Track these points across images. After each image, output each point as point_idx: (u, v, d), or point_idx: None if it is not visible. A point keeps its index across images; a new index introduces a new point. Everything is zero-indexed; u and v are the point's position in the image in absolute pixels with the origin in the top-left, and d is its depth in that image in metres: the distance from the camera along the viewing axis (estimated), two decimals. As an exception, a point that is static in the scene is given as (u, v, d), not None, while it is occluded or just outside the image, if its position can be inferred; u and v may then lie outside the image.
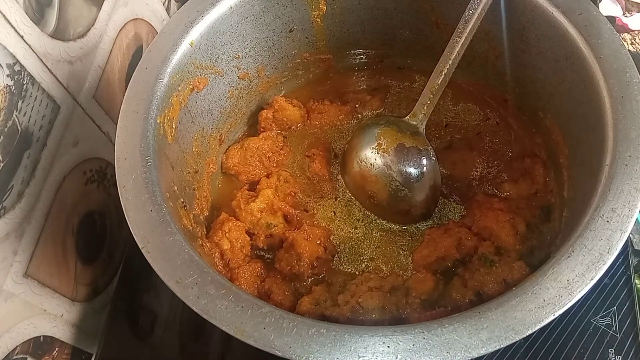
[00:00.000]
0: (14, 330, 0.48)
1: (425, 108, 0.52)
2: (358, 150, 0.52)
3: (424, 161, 0.51)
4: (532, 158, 0.54)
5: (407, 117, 0.53)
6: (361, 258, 0.52)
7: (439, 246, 0.49)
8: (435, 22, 0.57)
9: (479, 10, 0.49)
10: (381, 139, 0.51)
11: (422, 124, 0.52)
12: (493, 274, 0.45)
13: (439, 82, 0.51)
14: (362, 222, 0.54)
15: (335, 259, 0.52)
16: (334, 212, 0.54)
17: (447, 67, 0.50)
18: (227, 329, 0.35)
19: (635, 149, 0.39)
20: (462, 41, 0.50)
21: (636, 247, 0.57)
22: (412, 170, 0.51)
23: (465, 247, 0.49)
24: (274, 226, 0.52)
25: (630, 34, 0.90)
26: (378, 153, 0.51)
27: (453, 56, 0.50)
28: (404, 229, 0.53)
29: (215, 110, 0.55)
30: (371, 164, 0.51)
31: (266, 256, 0.52)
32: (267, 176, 0.56)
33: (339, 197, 0.55)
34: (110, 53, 0.61)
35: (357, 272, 0.51)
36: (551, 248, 0.47)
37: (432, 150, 0.52)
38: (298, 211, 0.54)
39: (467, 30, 0.49)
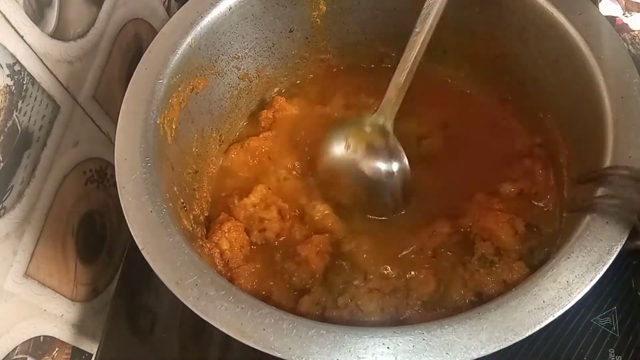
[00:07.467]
0: (14, 330, 0.48)
1: (391, 105, 0.51)
2: (328, 152, 0.53)
3: (392, 159, 0.51)
4: (532, 158, 0.54)
5: (374, 115, 0.52)
6: (361, 259, 0.51)
7: (429, 243, 0.50)
8: (435, 22, 0.57)
9: (438, 2, 0.48)
10: (349, 139, 0.51)
11: (389, 122, 0.51)
12: (493, 274, 0.45)
13: (402, 80, 0.50)
14: (362, 222, 0.53)
15: (334, 259, 0.52)
16: (335, 213, 0.54)
17: (409, 64, 0.49)
18: (227, 330, 0.35)
19: (635, 150, 0.39)
20: (423, 36, 0.49)
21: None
22: (382, 167, 0.51)
23: (456, 235, 0.50)
24: (267, 220, 0.52)
25: (630, 34, 0.90)
26: (346, 153, 0.51)
27: (414, 53, 0.49)
28: (404, 229, 0.53)
29: (215, 110, 0.55)
30: (342, 166, 0.52)
31: (266, 256, 0.52)
32: (267, 176, 0.56)
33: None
34: (110, 53, 0.61)
35: (357, 273, 0.50)
36: (551, 248, 0.47)
37: (400, 146, 0.51)
38: (298, 211, 0.54)
39: (428, 25, 0.48)
